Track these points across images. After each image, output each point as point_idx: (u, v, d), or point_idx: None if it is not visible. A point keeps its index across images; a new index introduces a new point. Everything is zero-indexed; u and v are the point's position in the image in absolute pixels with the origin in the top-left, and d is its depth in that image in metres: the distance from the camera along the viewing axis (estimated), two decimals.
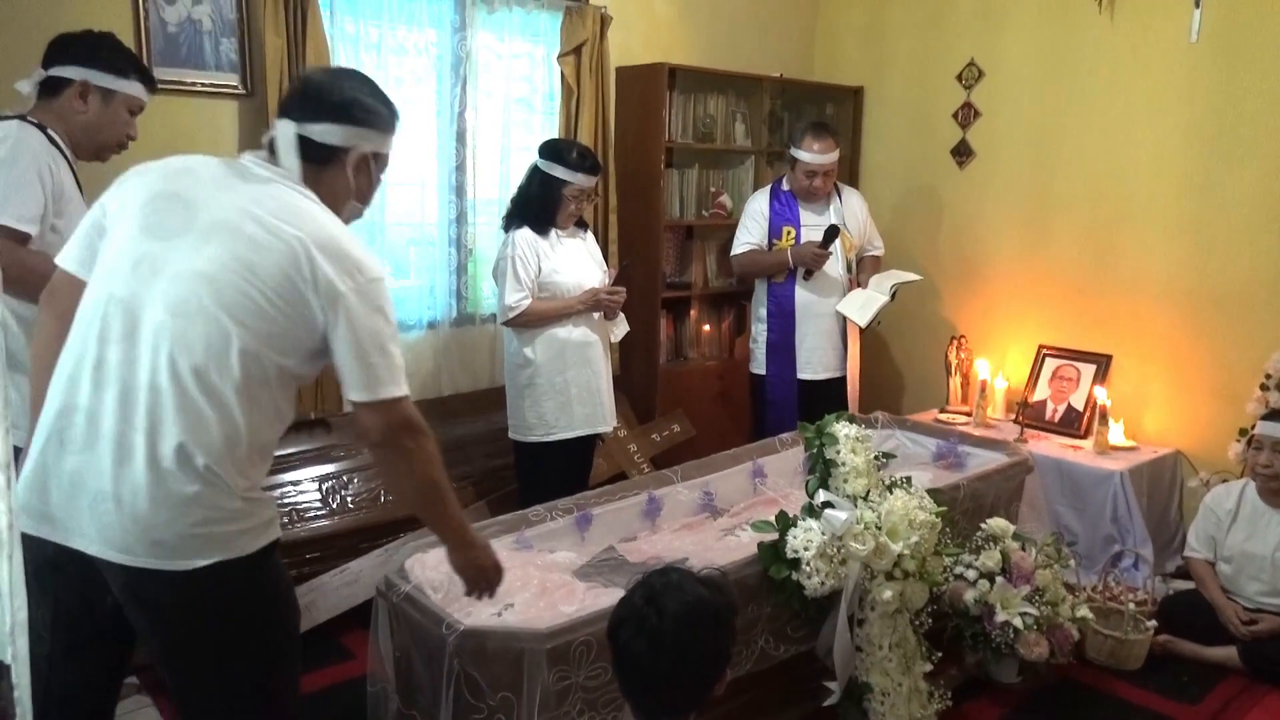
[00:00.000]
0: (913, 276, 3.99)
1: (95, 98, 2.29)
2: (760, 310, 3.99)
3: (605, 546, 2.77)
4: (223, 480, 1.56)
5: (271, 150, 1.72)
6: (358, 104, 1.74)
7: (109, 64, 2.30)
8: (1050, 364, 4.21)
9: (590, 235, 3.43)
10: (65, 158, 2.27)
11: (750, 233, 3.92)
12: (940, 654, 2.62)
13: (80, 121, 2.29)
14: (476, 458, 3.67)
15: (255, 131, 3.21)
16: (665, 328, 4.40)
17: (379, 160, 1.82)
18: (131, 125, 2.39)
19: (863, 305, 3.87)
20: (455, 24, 3.69)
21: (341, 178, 1.75)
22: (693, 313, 4.57)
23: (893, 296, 3.91)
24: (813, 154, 3.75)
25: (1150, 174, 3.89)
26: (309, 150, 1.70)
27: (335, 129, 1.71)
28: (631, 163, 4.22)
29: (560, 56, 3.91)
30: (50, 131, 2.25)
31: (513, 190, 3.38)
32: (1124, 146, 3.95)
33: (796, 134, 3.82)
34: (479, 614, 2.20)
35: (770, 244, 3.89)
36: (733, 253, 4.01)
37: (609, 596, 2.28)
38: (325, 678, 2.86)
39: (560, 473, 3.28)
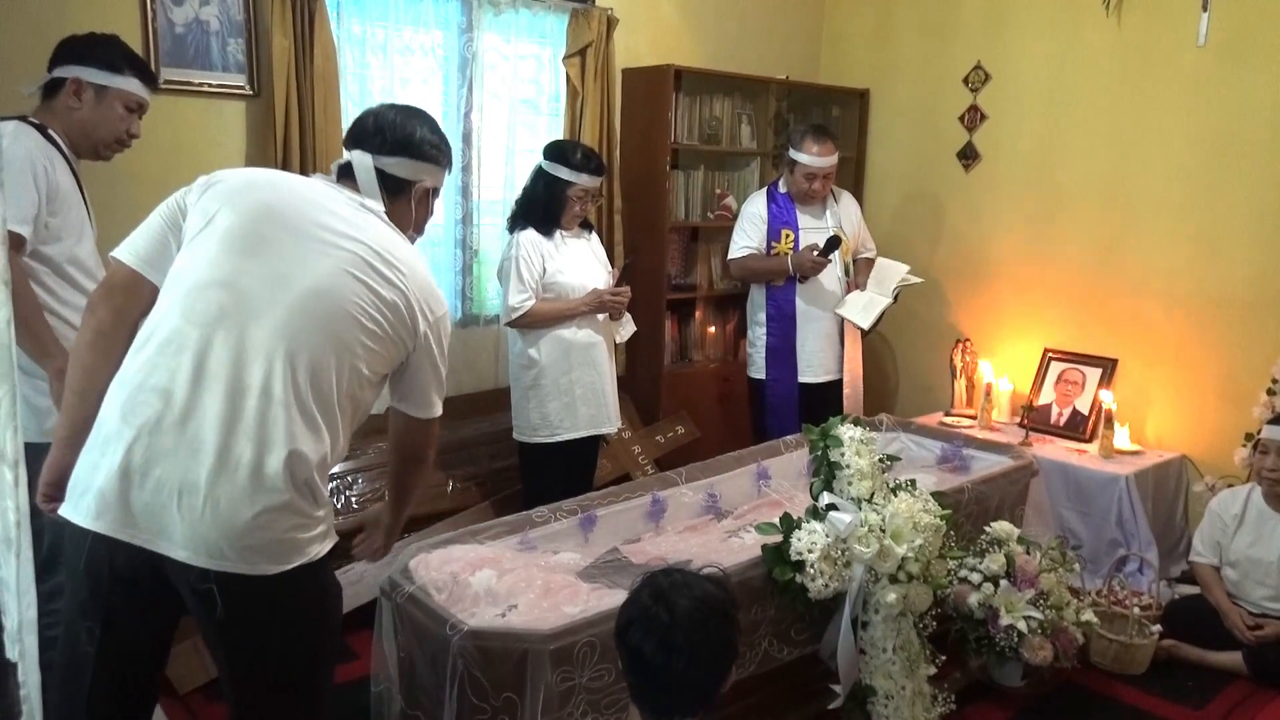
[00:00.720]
0: (910, 275, 3.95)
1: (89, 94, 2.30)
2: (759, 314, 3.94)
3: (609, 548, 2.77)
4: (313, 490, 1.63)
5: (340, 178, 1.82)
6: (427, 141, 1.86)
7: (102, 61, 2.30)
8: (1055, 367, 4.21)
9: (595, 236, 3.44)
10: (65, 157, 2.28)
11: (748, 236, 3.88)
12: (944, 657, 2.62)
13: (75, 119, 2.30)
14: (481, 458, 3.68)
15: (262, 132, 3.22)
16: (670, 329, 4.41)
17: (435, 194, 1.96)
18: (130, 122, 2.38)
19: (864, 307, 3.86)
20: (462, 25, 3.69)
21: (406, 209, 1.87)
22: (697, 314, 4.57)
23: (895, 298, 3.91)
24: (812, 157, 3.73)
25: (1157, 177, 3.89)
26: (382, 182, 1.81)
27: (407, 163, 1.83)
28: (637, 164, 4.22)
29: (566, 58, 3.92)
30: (51, 131, 2.26)
31: (518, 191, 3.39)
32: (1130, 150, 3.95)
33: (795, 137, 3.80)
34: (483, 615, 2.20)
35: (769, 246, 3.85)
36: (730, 256, 3.96)
37: (613, 598, 2.28)
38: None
39: (564, 474, 3.28)
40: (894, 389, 4.87)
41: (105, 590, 1.62)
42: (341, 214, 1.72)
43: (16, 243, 2.12)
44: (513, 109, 3.89)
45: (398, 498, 2.04)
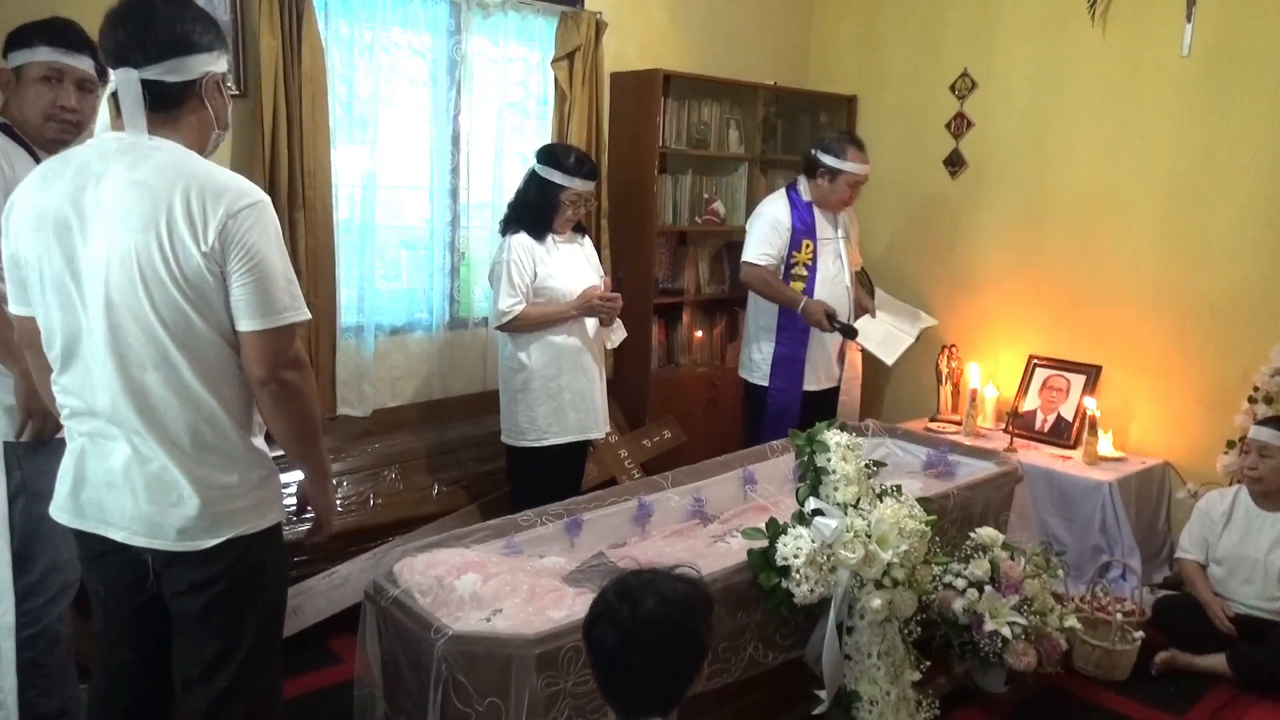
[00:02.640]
0: (930, 321, 3.95)
1: (9, 80, 2.17)
2: (767, 321, 3.80)
3: (595, 552, 2.76)
4: None
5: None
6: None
7: (16, 41, 2.15)
8: (1040, 374, 4.23)
9: (588, 240, 3.44)
10: (30, 150, 2.16)
11: (770, 244, 3.70)
12: (929, 663, 2.62)
13: (10, 112, 2.18)
14: (467, 461, 3.67)
15: (249, 133, 3.19)
16: (657, 334, 4.40)
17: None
18: (57, 93, 2.14)
19: (884, 341, 3.83)
20: (450, 28, 3.69)
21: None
22: (685, 319, 4.57)
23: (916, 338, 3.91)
24: (859, 165, 3.66)
25: (1141, 185, 3.92)
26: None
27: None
28: (625, 169, 4.22)
29: (554, 61, 3.91)
30: (15, 129, 2.16)
31: (508, 194, 3.40)
32: (1115, 158, 3.98)
33: (836, 146, 3.67)
34: (467, 619, 2.19)
35: (789, 256, 3.73)
36: (747, 258, 3.74)
37: None
38: (312, 682, 2.85)
39: (552, 477, 3.27)
40: (880, 394, 4.88)
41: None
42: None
43: None
44: (501, 112, 3.88)
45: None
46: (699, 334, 4.61)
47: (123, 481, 1.67)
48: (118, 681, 1.84)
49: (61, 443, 1.81)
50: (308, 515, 1.96)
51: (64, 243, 1.62)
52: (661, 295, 4.38)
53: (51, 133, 2.19)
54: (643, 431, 4.14)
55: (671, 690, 1.49)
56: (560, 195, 3.18)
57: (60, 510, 1.76)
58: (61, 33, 2.17)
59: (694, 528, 3.06)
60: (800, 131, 4.94)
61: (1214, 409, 3.74)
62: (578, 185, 3.18)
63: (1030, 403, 4.20)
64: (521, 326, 3.18)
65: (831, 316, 3.65)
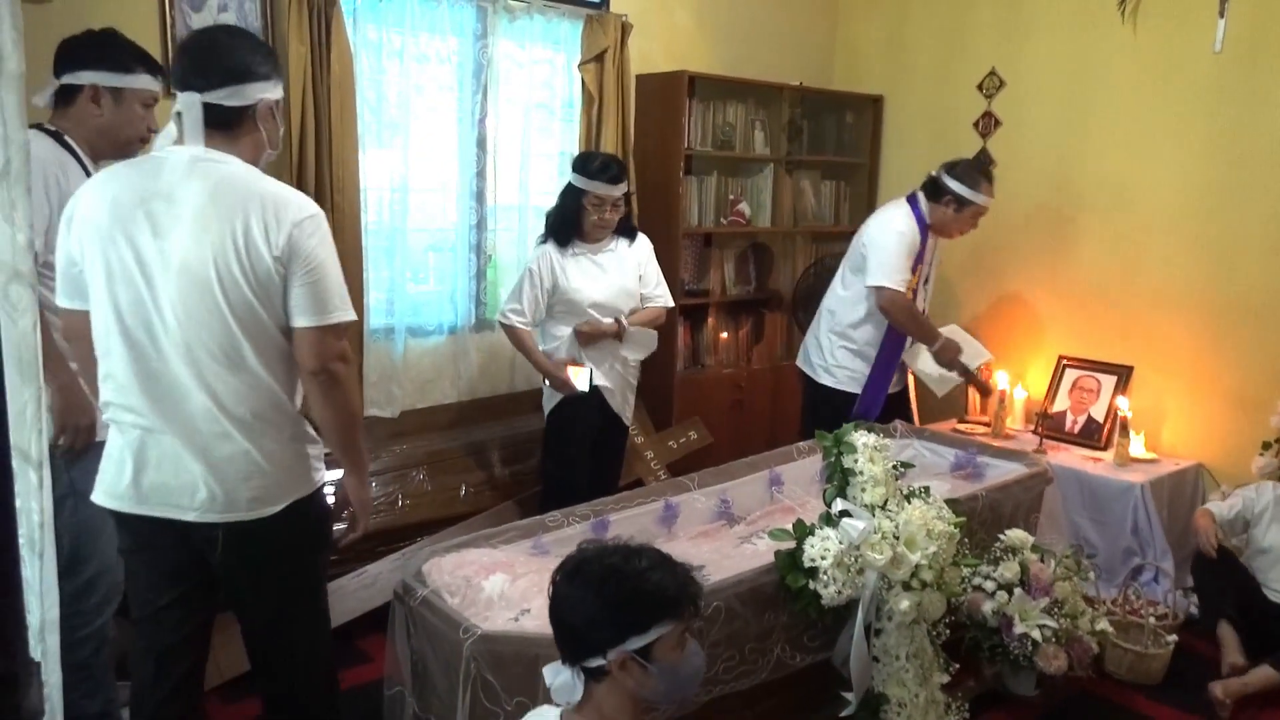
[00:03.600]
0: (987, 355, 3.87)
1: (107, 99, 2.26)
2: (868, 333, 3.68)
3: None
4: None
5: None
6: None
7: (114, 62, 2.26)
8: (1070, 375, 4.19)
9: (638, 245, 3.43)
10: (81, 163, 2.25)
11: (907, 268, 3.55)
12: (958, 665, 2.61)
13: (98, 125, 2.28)
14: (495, 463, 3.69)
15: None
16: (682, 335, 4.41)
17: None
18: (149, 118, 2.34)
19: (940, 374, 3.77)
20: (477, 31, 3.71)
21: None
22: (710, 320, 4.57)
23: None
24: (989, 197, 3.61)
25: (1172, 184, 3.87)
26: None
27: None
28: (651, 170, 4.23)
29: (581, 64, 3.93)
30: (67, 138, 2.24)
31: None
32: (1146, 157, 3.93)
33: (968, 175, 3.58)
34: (496, 619, 2.21)
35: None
36: (888, 284, 3.52)
37: None
38: (342, 681, 2.87)
39: (587, 445, 3.37)
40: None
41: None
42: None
43: None
44: (528, 114, 3.90)
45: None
46: (724, 335, 4.61)
47: (194, 464, 1.83)
48: (163, 666, 1.98)
49: (102, 444, 1.93)
50: (345, 516, 2.10)
51: (135, 243, 1.79)
52: (687, 296, 4.38)
53: (136, 150, 2.34)
54: (669, 433, 4.14)
55: (573, 643, 1.55)
56: (583, 200, 3.23)
57: (118, 499, 1.88)
58: (154, 62, 2.36)
59: (720, 529, 3.06)
60: (826, 132, 4.92)
61: (1248, 410, 3.69)
62: (599, 189, 3.21)
63: (1060, 404, 4.16)
64: (512, 337, 3.30)
65: (964, 365, 3.66)
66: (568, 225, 3.28)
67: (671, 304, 3.53)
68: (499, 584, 2.31)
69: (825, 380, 3.76)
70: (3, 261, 0.76)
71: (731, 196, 4.53)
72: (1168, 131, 3.86)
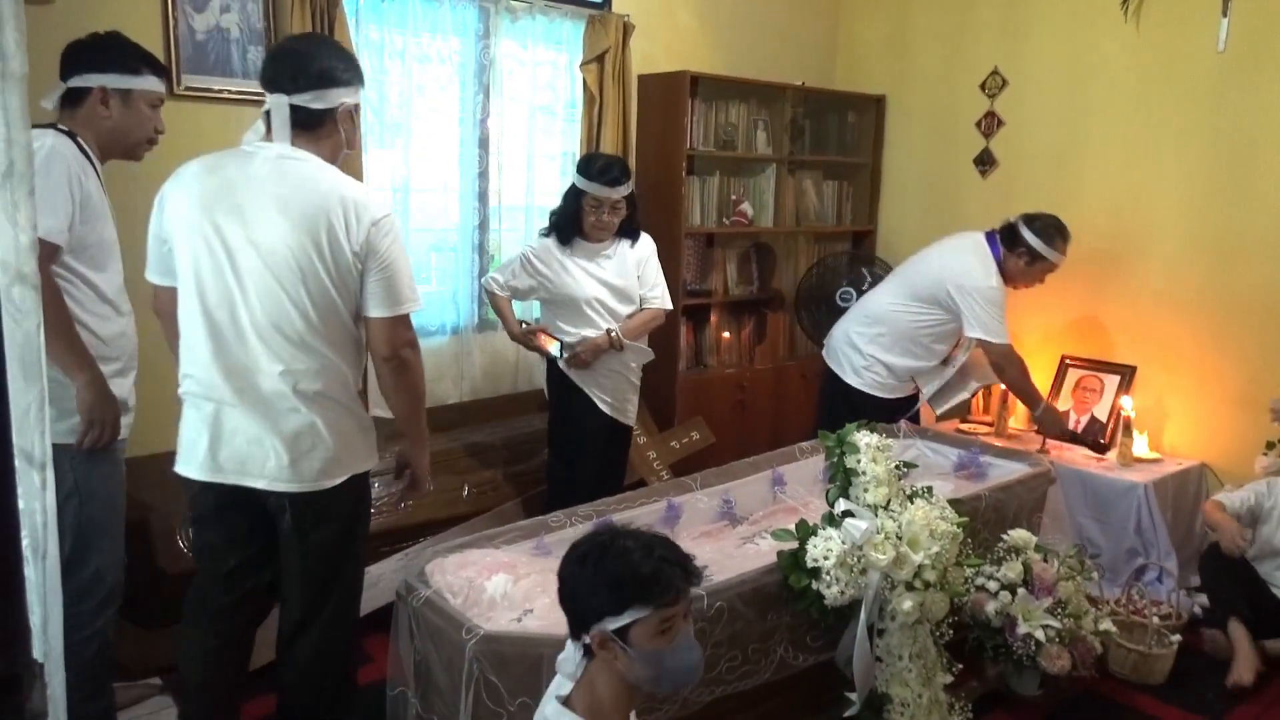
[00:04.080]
0: (991, 379, 3.84)
1: (116, 101, 2.28)
2: (922, 364, 3.70)
3: None
4: None
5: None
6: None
7: (121, 64, 2.28)
8: (1073, 374, 4.18)
9: (641, 246, 3.41)
10: (92, 164, 2.28)
11: (1005, 322, 3.54)
12: (961, 666, 2.61)
13: (107, 127, 2.30)
14: (498, 463, 3.69)
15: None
16: (685, 335, 4.41)
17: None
18: (156, 119, 2.37)
19: (939, 391, 3.78)
20: (479, 32, 3.71)
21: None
22: (712, 320, 4.57)
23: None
24: (1062, 257, 3.63)
25: (1175, 183, 3.86)
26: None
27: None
28: (653, 170, 4.23)
29: (583, 64, 3.93)
30: (79, 139, 2.26)
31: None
32: (1149, 156, 3.93)
33: (1047, 233, 3.58)
34: (499, 619, 2.21)
35: None
36: (999, 341, 3.52)
37: None
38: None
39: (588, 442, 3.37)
40: None
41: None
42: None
43: (49, 252, 2.11)
44: (530, 115, 3.90)
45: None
46: (727, 335, 4.61)
47: (266, 436, 2.02)
48: (216, 623, 2.22)
49: (118, 447, 2.10)
50: (405, 476, 2.36)
51: (222, 230, 1.99)
52: (689, 296, 4.38)
53: (143, 151, 2.39)
54: (671, 433, 4.14)
55: (573, 617, 1.59)
56: (582, 201, 3.25)
57: (198, 468, 2.07)
58: (158, 63, 2.38)
59: (723, 529, 3.06)
60: (828, 132, 4.92)
61: (1251, 410, 3.68)
62: (598, 191, 3.22)
63: (1063, 403, 4.16)
64: (492, 302, 3.41)
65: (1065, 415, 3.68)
66: (569, 224, 3.31)
67: (669, 306, 3.49)
68: (502, 584, 2.31)
69: (853, 381, 3.72)
70: (6, 263, 0.76)
71: (734, 196, 4.53)
72: (1171, 130, 3.85)
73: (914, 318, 3.63)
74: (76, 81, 2.27)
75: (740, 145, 4.50)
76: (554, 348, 3.33)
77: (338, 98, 2.06)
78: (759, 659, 2.36)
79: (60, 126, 2.24)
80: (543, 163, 3.97)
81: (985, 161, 4.48)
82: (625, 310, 3.37)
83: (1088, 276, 4.15)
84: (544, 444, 3.58)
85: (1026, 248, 3.56)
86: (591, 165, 3.27)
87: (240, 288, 1.99)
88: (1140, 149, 3.95)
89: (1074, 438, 3.78)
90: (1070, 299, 4.23)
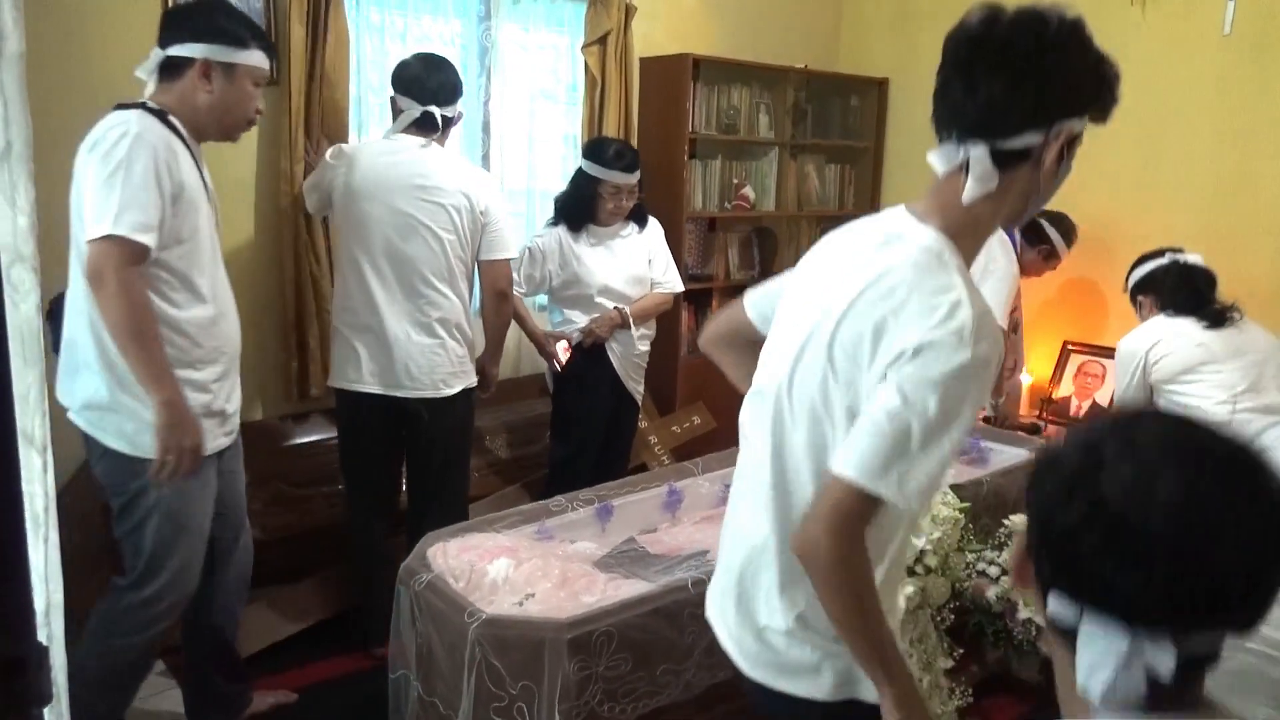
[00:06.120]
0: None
1: (219, 75, 2.08)
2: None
3: (626, 538, 2.77)
4: None
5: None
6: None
7: (229, 35, 2.07)
8: (1075, 360, 4.18)
9: (649, 231, 3.41)
10: (186, 145, 2.09)
11: (1004, 313, 3.48)
12: (962, 650, 2.61)
13: (206, 103, 2.09)
14: (500, 446, 3.68)
15: (278, 118, 3.20)
16: (686, 320, 4.40)
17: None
18: (258, 97, 2.18)
19: None
20: (480, 14, 3.69)
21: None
22: (714, 305, 4.56)
23: None
24: (1068, 253, 3.72)
25: (1181, 168, 3.85)
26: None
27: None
28: (655, 154, 4.20)
29: (585, 47, 3.90)
30: (171, 118, 2.06)
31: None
32: (1154, 140, 3.91)
33: (1065, 229, 3.72)
34: (500, 603, 2.21)
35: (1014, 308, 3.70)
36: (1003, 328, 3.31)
37: (629, 587, 2.29)
38: (348, 664, 2.89)
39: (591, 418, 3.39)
40: None
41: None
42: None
43: (139, 253, 1.95)
44: (532, 98, 3.88)
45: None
46: None
47: (409, 355, 2.73)
48: (367, 490, 2.91)
49: (209, 464, 2.16)
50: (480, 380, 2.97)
51: (393, 205, 2.73)
52: (691, 281, 4.36)
53: (240, 133, 2.23)
54: (672, 418, 4.14)
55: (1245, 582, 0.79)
56: (598, 188, 3.22)
57: (349, 381, 2.75)
58: (267, 39, 2.21)
59: (724, 514, 3.06)
60: (831, 116, 4.90)
61: None
62: (616, 178, 3.20)
63: (1065, 389, 4.15)
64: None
65: None
66: (581, 211, 3.27)
67: (680, 289, 3.52)
68: (503, 568, 2.31)
69: None
70: (5, 244, 0.75)
71: (736, 180, 4.51)
72: (1177, 113, 3.83)
73: None
74: (177, 50, 2.06)
75: (742, 129, 4.48)
76: (563, 354, 3.33)
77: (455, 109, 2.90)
78: None
79: (150, 104, 2.05)
80: (544, 146, 3.95)
81: None
82: (637, 293, 3.37)
83: (1090, 261, 4.14)
84: (545, 428, 3.57)
85: (1049, 243, 3.62)
86: (605, 151, 3.23)
87: (376, 242, 2.79)
88: (1145, 133, 3.93)
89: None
90: (1072, 284, 4.22)
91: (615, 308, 3.31)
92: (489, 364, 2.96)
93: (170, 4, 2.98)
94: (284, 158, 3.17)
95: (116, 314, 1.94)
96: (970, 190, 1.25)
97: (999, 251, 3.33)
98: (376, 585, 2.78)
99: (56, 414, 1.17)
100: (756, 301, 1.58)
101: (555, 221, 3.33)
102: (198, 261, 2.11)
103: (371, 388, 2.74)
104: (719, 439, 3.92)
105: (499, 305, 2.88)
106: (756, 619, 1.36)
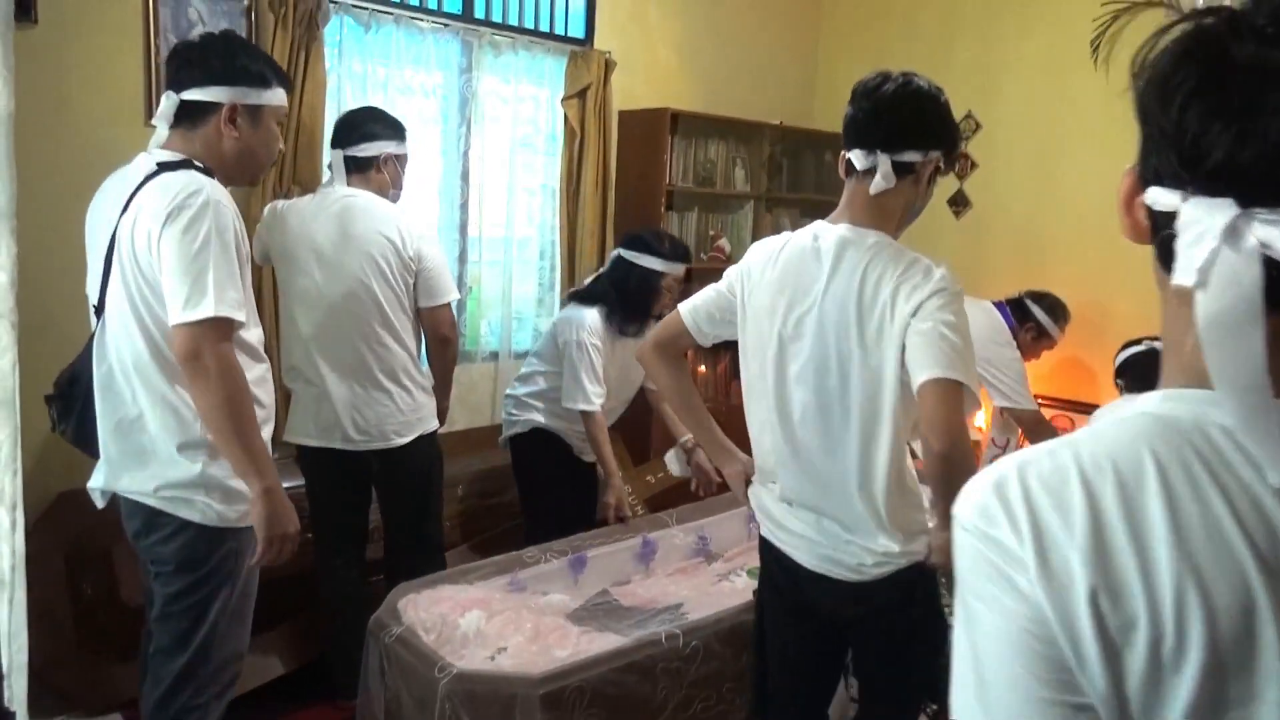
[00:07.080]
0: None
1: (244, 118, 1.94)
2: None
3: (599, 589, 2.75)
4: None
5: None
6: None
7: (253, 76, 1.94)
8: (1046, 414, 4.22)
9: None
10: None
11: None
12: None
13: (233, 149, 1.95)
14: (469, 496, 3.65)
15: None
16: None
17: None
18: (280, 137, 2.07)
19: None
20: (462, 66, 3.73)
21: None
22: (689, 355, 4.56)
23: None
24: (1062, 336, 3.77)
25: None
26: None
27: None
28: (632, 205, 4.25)
29: (564, 99, 3.96)
30: (207, 166, 1.94)
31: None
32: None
33: (1052, 310, 3.71)
34: (472, 657, 2.18)
35: None
36: (1029, 408, 3.59)
37: (602, 641, 2.27)
38: (317, 717, 2.82)
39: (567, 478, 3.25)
40: None
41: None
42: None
43: (228, 329, 1.82)
44: (512, 148, 3.92)
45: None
46: (703, 369, 4.62)
47: (354, 408, 2.66)
48: (331, 538, 2.84)
49: None
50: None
51: (317, 249, 2.65)
52: None
53: (263, 174, 2.15)
54: (647, 467, 4.12)
55: None
56: (660, 282, 3.09)
57: (302, 436, 2.71)
58: (284, 73, 2.08)
59: (698, 565, 3.05)
60: (805, 170, 4.98)
61: None
62: (677, 270, 3.10)
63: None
64: (596, 430, 3.09)
65: None
66: (642, 309, 3.10)
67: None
68: (475, 621, 2.28)
69: None
70: None
71: (712, 232, 4.56)
72: None
73: None
74: (196, 94, 1.90)
75: (719, 181, 4.54)
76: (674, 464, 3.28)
77: (379, 149, 2.73)
78: (733, 698, 2.34)
79: (198, 164, 1.91)
80: (522, 195, 3.98)
81: (959, 203, 4.55)
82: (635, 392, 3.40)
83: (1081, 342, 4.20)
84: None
85: (1035, 323, 3.64)
86: (661, 245, 3.09)
87: (324, 296, 2.70)
88: (1113, 192, 3.99)
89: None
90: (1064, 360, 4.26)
91: (682, 443, 3.28)
92: (440, 398, 2.92)
93: (160, 45, 2.99)
94: (256, 204, 3.14)
95: (218, 397, 1.78)
96: (876, 184, 1.91)
97: (989, 337, 3.44)
98: (342, 635, 2.73)
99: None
100: (692, 312, 2.24)
101: (605, 316, 3.10)
102: (253, 318, 2.00)
103: (322, 443, 2.69)
104: (693, 490, 3.91)
105: (442, 351, 2.86)
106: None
